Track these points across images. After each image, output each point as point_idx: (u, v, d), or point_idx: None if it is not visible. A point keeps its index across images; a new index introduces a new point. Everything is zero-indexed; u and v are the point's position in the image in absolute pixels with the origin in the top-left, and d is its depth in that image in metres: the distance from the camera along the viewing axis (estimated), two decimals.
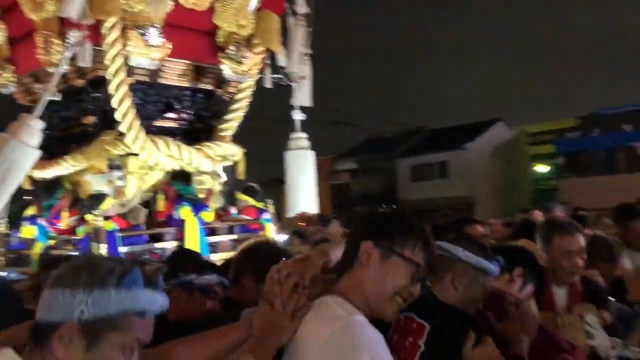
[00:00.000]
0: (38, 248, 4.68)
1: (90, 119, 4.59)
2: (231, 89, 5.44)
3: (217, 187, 5.29)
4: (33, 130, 3.53)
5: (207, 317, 2.10)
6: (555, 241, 2.35)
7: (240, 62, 5.09)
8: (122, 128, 4.23)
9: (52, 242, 4.69)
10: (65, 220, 4.63)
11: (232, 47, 5.02)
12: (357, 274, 1.46)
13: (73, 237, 4.33)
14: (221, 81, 5.31)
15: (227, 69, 5.04)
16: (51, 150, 5.13)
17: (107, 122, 4.52)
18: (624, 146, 22.78)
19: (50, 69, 4.39)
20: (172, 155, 4.60)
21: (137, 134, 4.24)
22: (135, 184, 4.65)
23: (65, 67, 3.82)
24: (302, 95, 5.57)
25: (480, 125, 28.69)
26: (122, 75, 4.17)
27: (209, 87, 5.26)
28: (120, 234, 4.21)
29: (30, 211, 5.40)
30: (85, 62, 3.90)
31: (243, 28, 5.07)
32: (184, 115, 5.13)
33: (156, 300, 1.19)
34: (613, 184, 21.91)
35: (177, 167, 4.74)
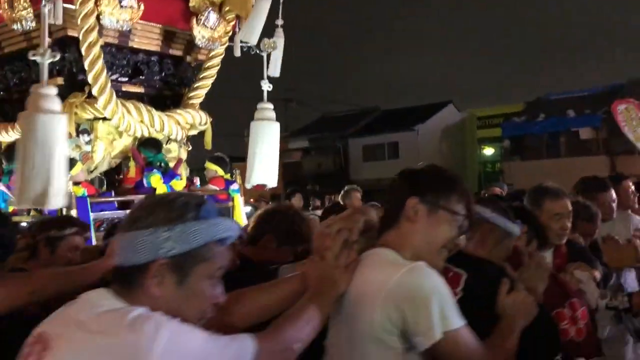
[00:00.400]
0: None
1: (57, 81, 4.37)
2: (200, 56, 5.34)
3: (184, 155, 5.21)
4: (51, 97, 3.35)
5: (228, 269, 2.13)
6: (545, 204, 2.46)
7: (212, 29, 4.99)
8: (93, 91, 4.08)
9: (12, 208, 4.51)
10: None
11: (204, 13, 4.91)
12: (404, 229, 1.53)
13: None
14: (190, 47, 5.20)
15: (198, 34, 4.92)
16: (11, 112, 4.92)
17: (75, 84, 4.36)
18: (567, 131, 23.69)
19: (14, 26, 4.18)
20: (143, 121, 4.49)
21: (109, 98, 4.10)
22: (104, 150, 4.52)
23: (46, 25, 3.62)
24: (272, 66, 5.50)
25: (431, 107, 29.23)
26: (94, 35, 3.99)
27: (178, 53, 5.14)
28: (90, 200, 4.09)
29: None
30: (57, 19, 3.71)
31: None
32: (152, 81, 5.01)
33: (232, 227, 1.21)
34: (556, 167, 22.81)
35: (146, 134, 4.62)
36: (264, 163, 5.34)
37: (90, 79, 4.06)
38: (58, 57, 3.73)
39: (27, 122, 3.41)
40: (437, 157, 28.18)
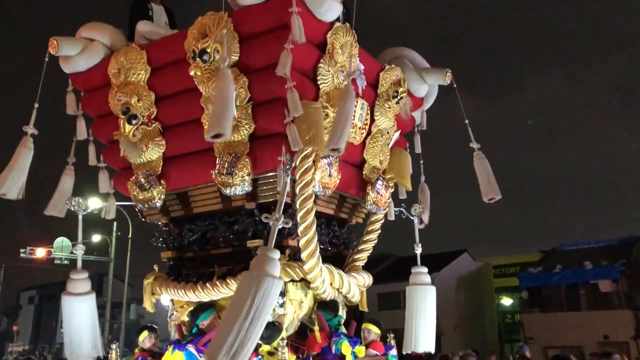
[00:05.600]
0: None
1: (255, 242, 4.44)
2: (359, 219, 5.52)
3: (344, 316, 5.15)
4: (276, 261, 3.52)
5: None
6: None
7: (380, 194, 5.23)
8: (303, 255, 4.17)
9: None
10: None
11: (375, 181, 5.17)
12: None
13: None
14: (354, 211, 5.39)
15: (370, 200, 5.14)
16: (185, 271, 4.91)
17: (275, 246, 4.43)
18: (586, 283, 23.68)
19: (227, 190, 4.35)
20: (333, 284, 4.53)
21: (316, 262, 4.19)
22: (293, 312, 4.49)
23: (286, 192, 3.82)
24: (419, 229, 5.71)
25: (446, 256, 29.37)
26: (310, 202, 4.17)
27: (344, 215, 5.31)
28: None
29: (143, 335, 5.00)
30: (285, 187, 3.91)
31: (382, 163, 5.27)
32: (321, 242, 5.09)
33: None
34: (577, 320, 22.54)
35: (332, 296, 4.63)
36: (423, 328, 5.29)
37: (302, 243, 4.16)
38: (290, 223, 3.88)
39: (251, 282, 3.51)
40: (453, 307, 27.77)
